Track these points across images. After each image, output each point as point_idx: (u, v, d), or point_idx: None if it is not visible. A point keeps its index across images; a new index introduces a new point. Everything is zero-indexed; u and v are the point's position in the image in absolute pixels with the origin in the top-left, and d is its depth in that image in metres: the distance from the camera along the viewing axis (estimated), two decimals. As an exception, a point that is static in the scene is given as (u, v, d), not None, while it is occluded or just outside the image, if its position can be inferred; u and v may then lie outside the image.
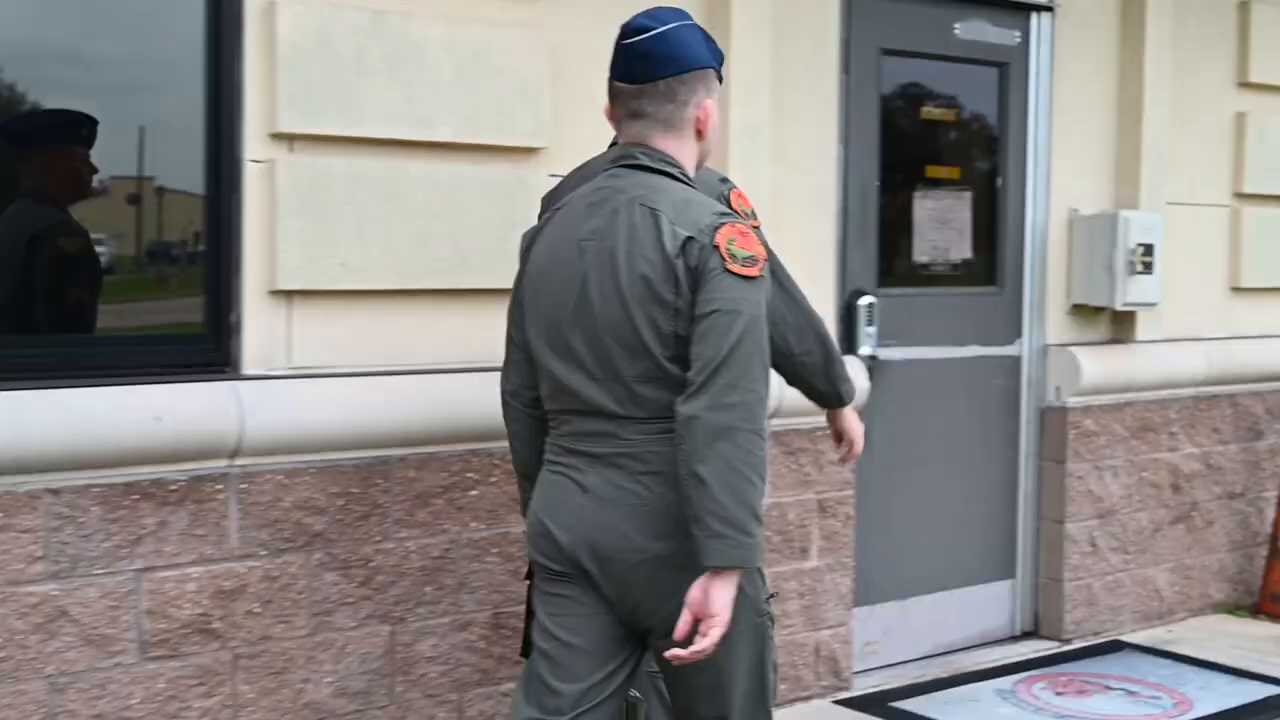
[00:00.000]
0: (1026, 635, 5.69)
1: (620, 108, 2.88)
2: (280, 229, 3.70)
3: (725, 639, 2.67)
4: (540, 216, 3.22)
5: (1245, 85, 6.26)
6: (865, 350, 4.93)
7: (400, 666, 3.89)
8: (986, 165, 5.51)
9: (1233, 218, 6.26)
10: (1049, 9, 5.51)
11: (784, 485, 4.68)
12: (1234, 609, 6.23)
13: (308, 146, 3.75)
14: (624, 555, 2.77)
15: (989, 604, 5.59)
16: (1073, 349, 5.59)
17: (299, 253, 3.73)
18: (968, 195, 5.35)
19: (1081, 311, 5.68)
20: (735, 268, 2.68)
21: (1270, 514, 6.37)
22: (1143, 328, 5.78)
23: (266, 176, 3.69)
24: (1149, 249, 5.52)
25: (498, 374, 3.13)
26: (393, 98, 3.85)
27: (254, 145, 3.69)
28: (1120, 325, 5.80)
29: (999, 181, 5.49)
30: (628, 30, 2.86)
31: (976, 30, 5.31)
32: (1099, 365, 5.61)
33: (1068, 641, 5.61)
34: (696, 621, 2.64)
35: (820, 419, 4.61)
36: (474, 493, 4.01)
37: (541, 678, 2.86)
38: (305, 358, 3.80)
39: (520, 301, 2.96)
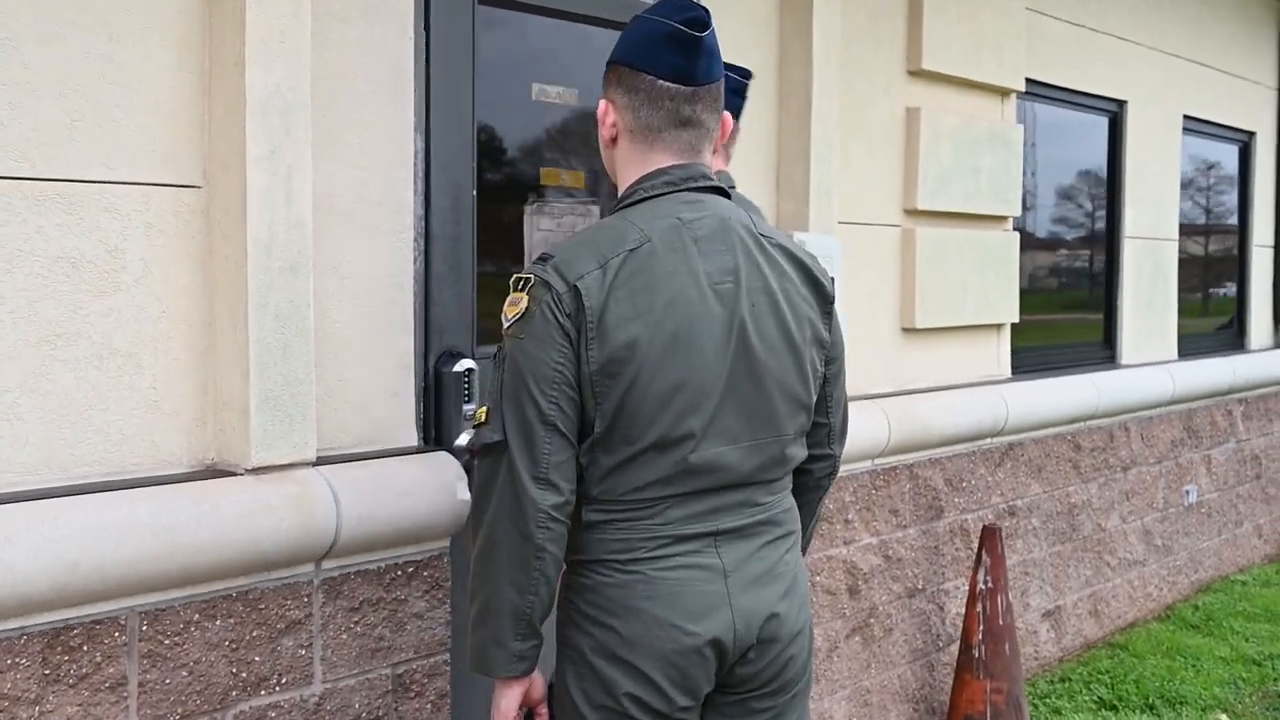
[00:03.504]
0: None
1: (658, 111, 2.49)
2: None
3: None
4: (554, 270, 2.43)
5: (918, 74, 5.26)
6: (464, 440, 3.47)
7: None
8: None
9: (904, 241, 5.24)
10: (692, -42, 4.27)
11: (342, 661, 3.18)
12: (918, 736, 5.20)
13: None
14: (783, 634, 2.54)
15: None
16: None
17: None
18: (596, 211, 3.98)
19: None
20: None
21: (953, 609, 5.41)
22: (817, 387, 4.61)
23: None
24: (828, 284, 4.35)
25: None
26: None
27: None
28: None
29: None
30: (696, 20, 2.45)
31: (603, -21, 3.99)
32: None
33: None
34: None
35: (399, 552, 3.25)
36: None
37: None
38: None
39: (590, 376, 2.38)
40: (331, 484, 3.10)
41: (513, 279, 2.46)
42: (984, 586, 5.12)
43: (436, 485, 3.33)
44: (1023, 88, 5.84)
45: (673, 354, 2.39)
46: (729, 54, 4.36)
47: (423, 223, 3.46)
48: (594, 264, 2.39)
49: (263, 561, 2.98)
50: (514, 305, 2.42)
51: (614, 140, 2.57)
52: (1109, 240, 7.03)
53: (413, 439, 3.45)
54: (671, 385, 2.40)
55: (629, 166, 2.56)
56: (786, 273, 2.56)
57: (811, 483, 2.81)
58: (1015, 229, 5.95)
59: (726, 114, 2.62)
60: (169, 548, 2.79)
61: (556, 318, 2.36)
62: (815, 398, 2.64)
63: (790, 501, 2.65)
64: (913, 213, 5.26)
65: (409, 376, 3.43)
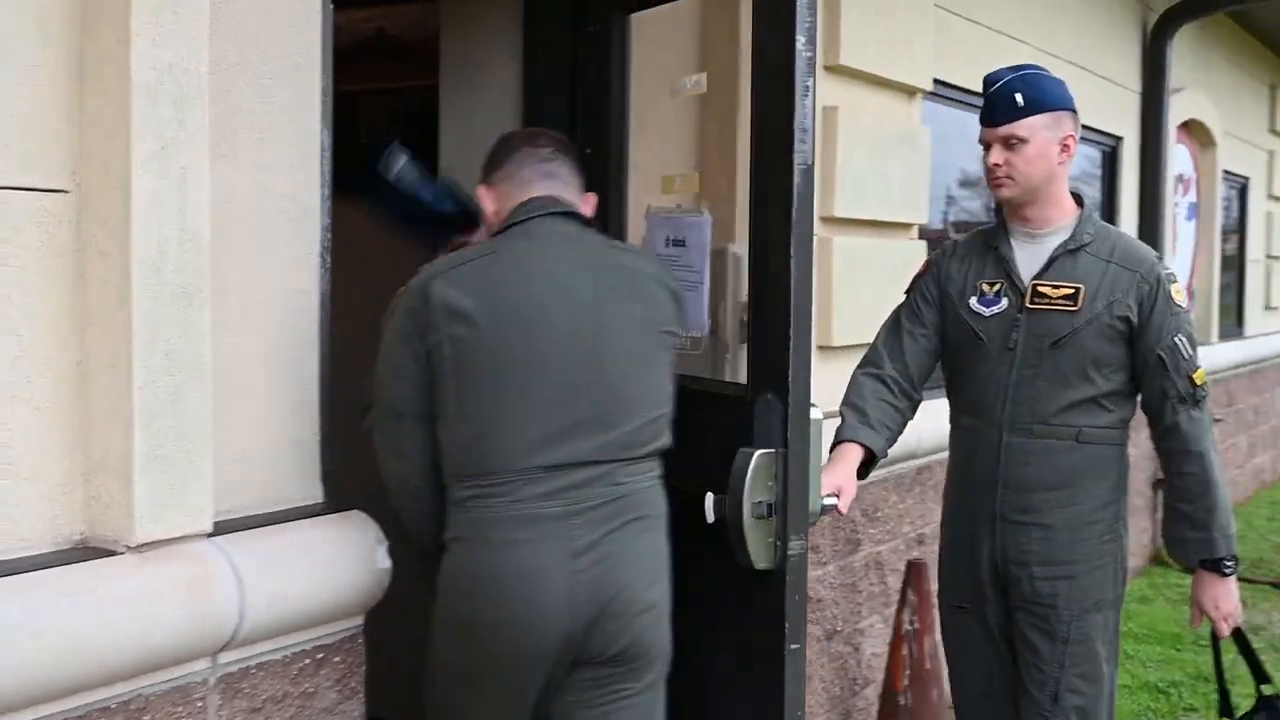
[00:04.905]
0: None
1: (524, 166, 2.85)
2: None
3: None
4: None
5: (835, 70, 4.82)
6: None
7: None
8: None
9: (821, 251, 4.79)
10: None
11: (244, 774, 2.59)
12: (837, 792, 4.77)
13: None
14: (631, 609, 2.67)
15: None
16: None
17: None
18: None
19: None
20: None
21: (869, 650, 4.99)
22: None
23: None
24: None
25: None
26: None
27: None
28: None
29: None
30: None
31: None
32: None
33: None
34: None
35: (308, 635, 2.69)
36: None
37: None
38: None
39: (442, 358, 2.63)
40: (233, 560, 2.51)
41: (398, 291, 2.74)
42: (910, 627, 4.71)
43: (354, 552, 2.76)
44: (930, 87, 5.45)
45: (520, 331, 2.61)
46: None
47: (329, 234, 2.88)
48: (445, 266, 2.69)
49: (149, 662, 2.38)
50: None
51: (496, 213, 2.85)
52: (998, 248, 6.69)
53: (317, 494, 2.86)
54: (520, 360, 2.60)
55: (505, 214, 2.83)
56: (640, 271, 2.80)
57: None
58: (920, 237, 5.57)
59: (591, 194, 2.92)
60: (31, 655, 2.18)
61: (405, 316, 2.65)
62: (672, 388, 2.81)
63: (655, 487, 2.75)
64: (829, 220, 4.82)
65: (313, 420, 2.85)
